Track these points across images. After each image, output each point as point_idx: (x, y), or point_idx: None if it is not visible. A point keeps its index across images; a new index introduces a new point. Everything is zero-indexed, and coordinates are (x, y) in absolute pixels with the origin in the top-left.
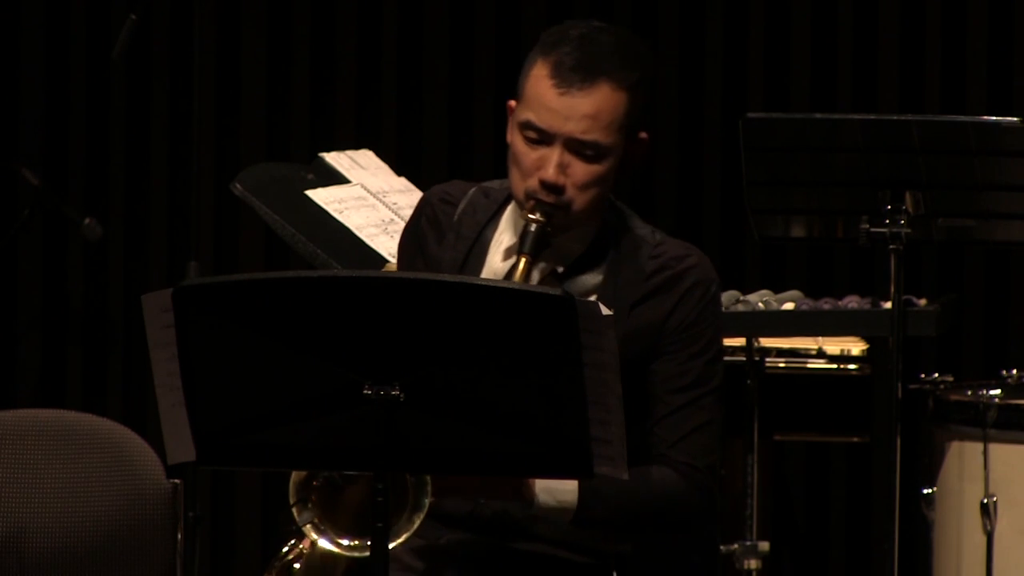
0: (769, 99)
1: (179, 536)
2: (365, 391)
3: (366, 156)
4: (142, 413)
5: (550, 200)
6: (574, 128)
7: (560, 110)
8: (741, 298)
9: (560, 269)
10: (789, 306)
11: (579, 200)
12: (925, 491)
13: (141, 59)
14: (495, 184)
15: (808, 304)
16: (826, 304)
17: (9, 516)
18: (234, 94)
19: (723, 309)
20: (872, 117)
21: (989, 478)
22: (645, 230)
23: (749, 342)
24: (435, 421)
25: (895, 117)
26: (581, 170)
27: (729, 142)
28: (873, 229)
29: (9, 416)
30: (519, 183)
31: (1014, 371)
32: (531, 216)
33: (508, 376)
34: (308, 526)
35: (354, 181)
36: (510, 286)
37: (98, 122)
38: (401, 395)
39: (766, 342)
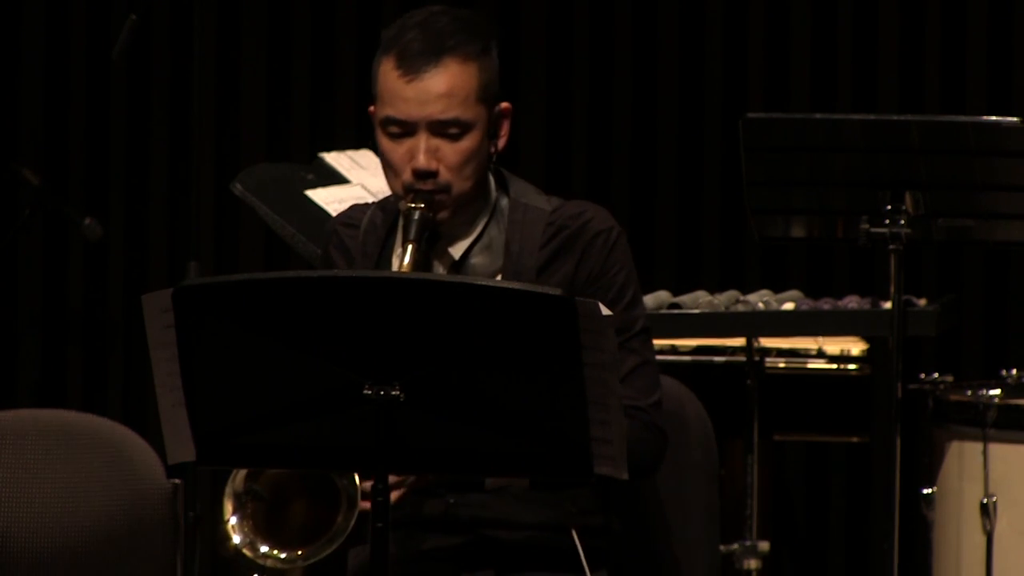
0: (769, 99)
1: (179, 536)
2: (365, 391)
3: (366, 156)
4: (142, 413)
5: (428, 187)
6: (432, 110)
7: (414, 97)
8: (741, 298)
9: (456, 256)
10: (789, 306)
11: (456, 181)
12: (925, 491)
13: (141, 59)
14: (392, 198)
15: (808, 304)
16: (826, 304)
17: (9, 516)
18: (234, 94)
19: (723, 309)
20: (872, 117)
21: (989, 478)
22: (540, 200)
23: (749, 342)
24: (435, 421)
25: (895, 117)
26: (450, 150)
27: (729, 142)
28: (873, 229)
29: (9, 416)
30: (395, 182)
31: (1014, 371)
32: (411, 205)
33: (508, 376)
34: (244, 544)
35: (354, 181)
36: (510, 286)
37: (98, 122)
38: (401, 395)
39: (766, 342)
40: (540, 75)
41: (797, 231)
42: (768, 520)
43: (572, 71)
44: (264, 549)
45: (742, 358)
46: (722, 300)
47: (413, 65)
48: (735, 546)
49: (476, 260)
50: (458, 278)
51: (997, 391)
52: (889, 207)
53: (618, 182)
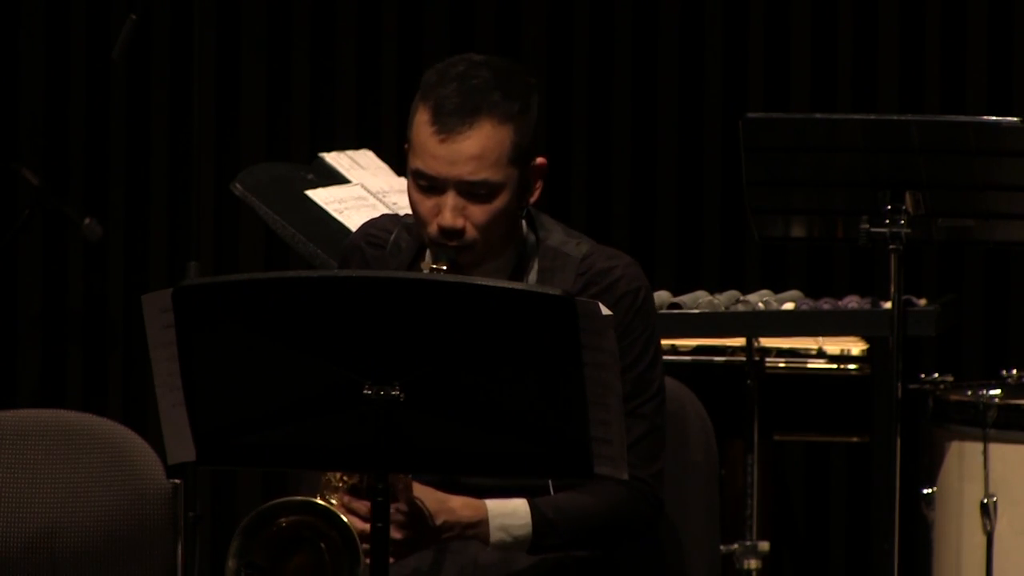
0: (769, 99)
1: (179, 536)
2: (365, 391)
3: (366, 156)
4: (142, 413)
5: (452, 243)
6: (461, 171)
7: (445, 156)
8: (741, 298)
9: None
10: (789, 306)
11: (482, 239)
12: (925, 491)
13: (141, 59)
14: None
15: (808, 304)
16: (826, 304)
17: (9, 516)
18: (234, 94)
19: (723, 309)
20: (872, 117)
21: (989, 478)
22: (569, 245)
23: (749, 342)
24: (435, 421)
25: (895, 117)
26: (478, 211)
27: (729, 142)
28: (873, 229)
29: (9, 416)
30: (422, 231)
31: (1014, 371)
32: (433, 266)
33: (508, 376)
34: None
35: (354, 181)
36: (510, 286)
37: (98, 122)
38: (401, 395)
39: (766, 342)
40: (540, 75)
41: (797, 231)
42: (768, 520)
43: (572, 71)
44: None
45: (742, 358)
46: (722, 300)
47: (446, 124)
48: (735, 546)
49: None
50: (458, 278)
51: (997, 391)
52: (889, 207)
53: (618, 182)
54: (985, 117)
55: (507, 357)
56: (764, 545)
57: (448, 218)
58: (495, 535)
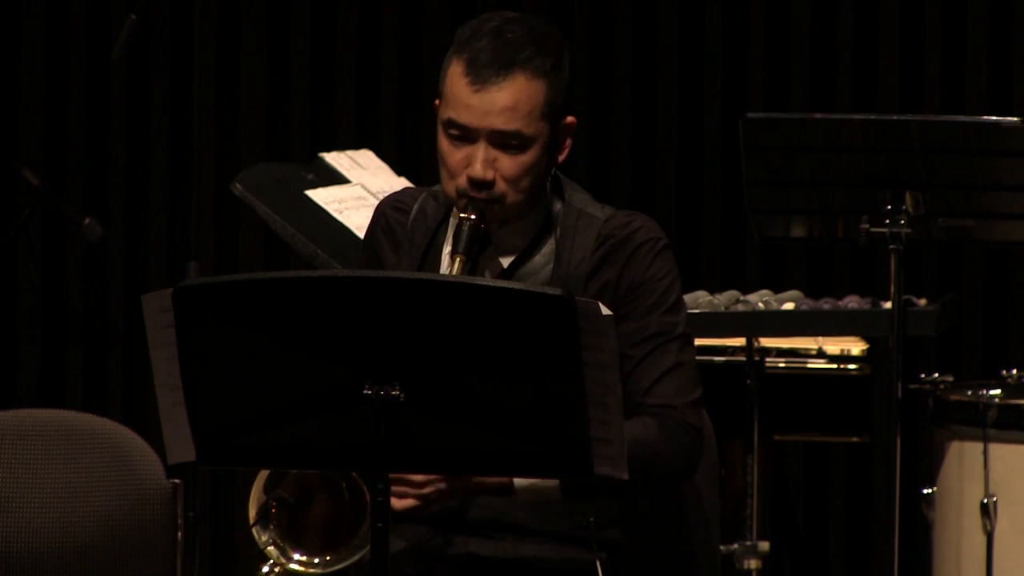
0: (769, 99)
1: (179, 536)
2: (365, 391)
3: (366, 156)
4: (142, 413)
5: (481, 196)
6: (495, 121)
7: (478, 106)
8: (741, 298)
9: (505, 263)
10: (789, 306)
11: (511, 192)
12: (925, 491)
13: (141, 59)
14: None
15: (808, 304)
16: (826, 304)
17: (9, 516)
18: (234, 94)
19: (723, 309)
20: (872, 117)
21: (989, 478)
22: (594, 208)
23: (749, 342)
24: (435, 421)
25: (895, 117)
26: (508, 162)
27: (729, 142)
28: (873, 229)
29: (9, 416)
30: (449, 183)
31: (1014, 371)
32: (462, 215)
33: (508, 376)
34: (271, 548)
35: (354, 181)
36: (510, 286)
37: (98, 122)
38: (401, 395)
39: (766, 342)
40: None
41: (797, 231)
42: (768, 520)
43: (572, 71)
44: (295, 555)
45: (742, 358)
46: (722, 300)
47: (481, 75)
48: (735, 546)
49: (525, 268)
50: (458, 278)
51: (997, 391)
52: (889, 207)
53: (618, 182)
54: (985, 117)
55: (507, 357)
56: (764, 545)
57: (479, 169)
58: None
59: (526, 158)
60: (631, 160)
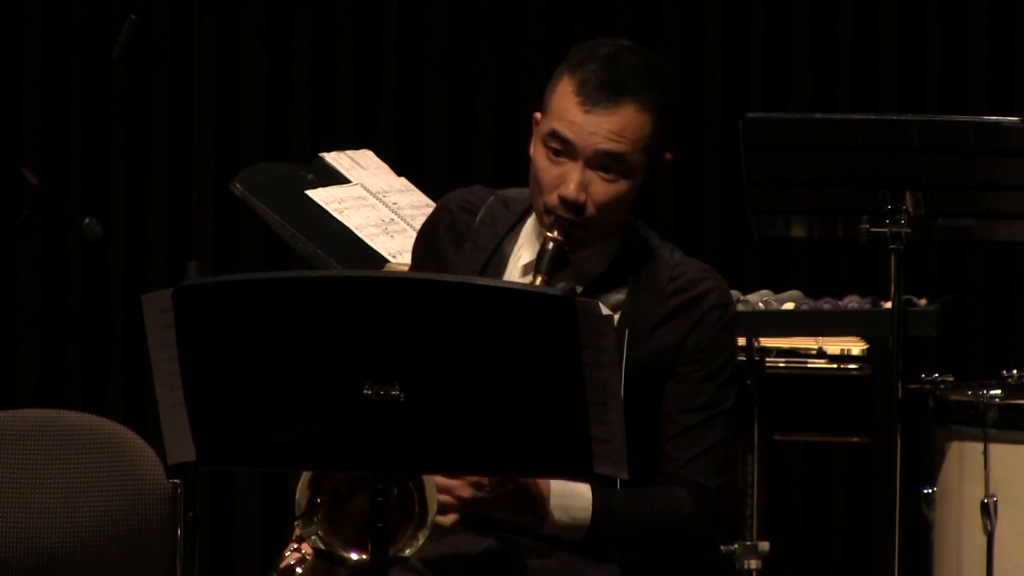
0: (769, 99)
1: (179, 536)
2: (365, 391)
3: (366, 156)
4: (142, 413)
5: (569, 217)
6: (600, 141)
7: (585, 125)
8: (741, 298)
9: (580, 289)
10: (789, 306)
11: (599, 219)
12: (925, 491)
13: (141, 59)
14: (514, 193)
15: (808, 304)
16: (826, 304)
17: (9, 516)
18: (234, 94)
19: None
20: (872, 117)
21: (989, 478)
22: (664, 250)
23: (749, 342)
24: (435, 421)
25: (895, 117)
26: (602, 189)
27: (729, 142)
28: (873, 229)
29: (9, 416)
30: (538, 197)
31: (1014, 371)
32: (549, 234)
33: (508, 376)
34: (314, 538)
35: (354, 181)
36: (510, 286)
37: (98, 122)
38: (401, 395)
39: (766, 342)
40: (539, 75)
41: (797, 231)
42: (768, 520)
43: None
44: (343, 553)
45: (742, 358)
46: None
47: (592, 97)
48: (735, 546)
49: (602, 297)
50: (458, 278)
51: (998, 391)
52: (889, 207)
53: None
54: (985, 117)
55: (507, 357)
56: (764, 545)
57: (572, 190)
58: (555, 514)
59: (620, 187)
60: None
